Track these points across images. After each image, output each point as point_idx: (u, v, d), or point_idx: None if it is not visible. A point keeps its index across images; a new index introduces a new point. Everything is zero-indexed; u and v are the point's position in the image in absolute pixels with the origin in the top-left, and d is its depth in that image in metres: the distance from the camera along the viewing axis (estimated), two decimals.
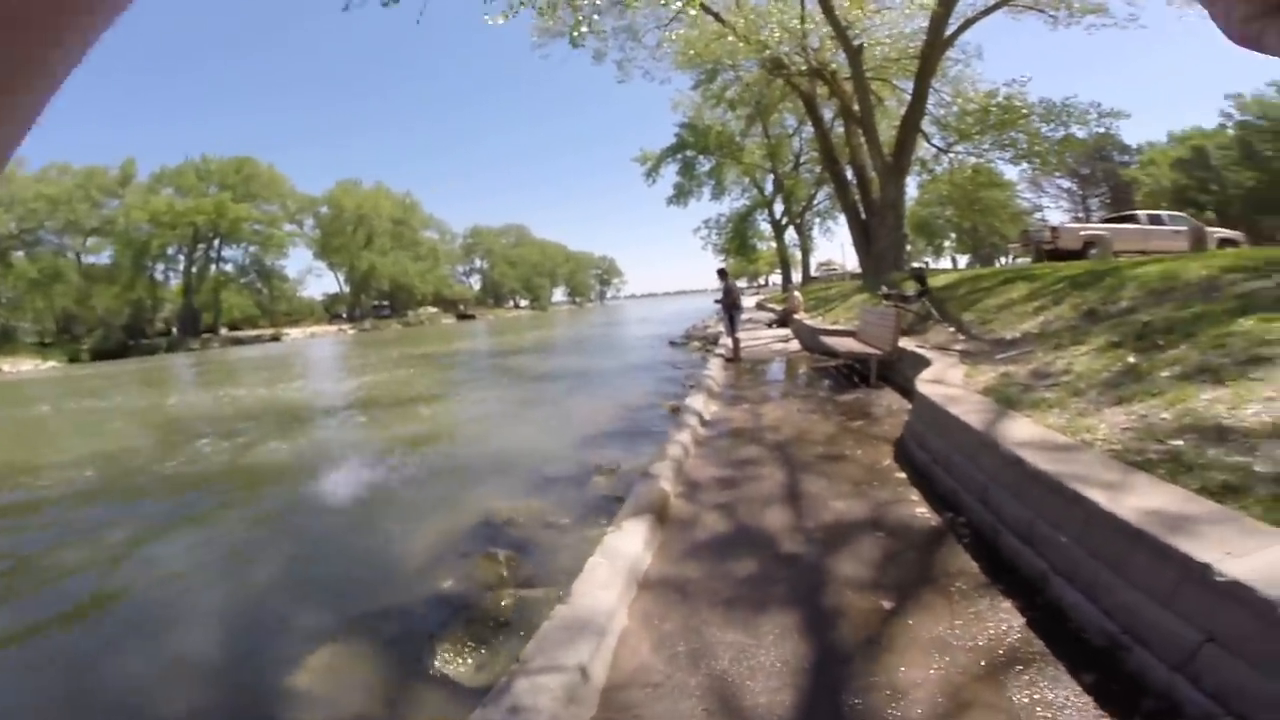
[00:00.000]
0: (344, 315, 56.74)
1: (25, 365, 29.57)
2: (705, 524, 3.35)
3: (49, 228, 35.80)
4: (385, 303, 59.31)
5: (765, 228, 36.82)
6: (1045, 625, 2.07)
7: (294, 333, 45.33)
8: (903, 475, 3.71)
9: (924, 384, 4.34)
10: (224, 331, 44.25)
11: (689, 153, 30.19)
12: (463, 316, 64.15)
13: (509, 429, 7.72)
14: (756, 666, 2.02)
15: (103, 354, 33.98)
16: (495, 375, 14.77)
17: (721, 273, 10.37)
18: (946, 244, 47.51)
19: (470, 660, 2.37)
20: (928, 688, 1.84)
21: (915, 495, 3.37)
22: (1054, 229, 13.60)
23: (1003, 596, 2.27)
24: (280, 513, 5.08)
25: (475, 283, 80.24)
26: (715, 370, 8.90)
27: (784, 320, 15.65)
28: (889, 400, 5.94)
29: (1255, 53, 0.21)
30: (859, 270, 19.35)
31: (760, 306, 24.20)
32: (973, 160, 19.82)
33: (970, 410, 3.42)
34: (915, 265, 12.81)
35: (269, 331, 44.25)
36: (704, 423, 5.81)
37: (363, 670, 2.40)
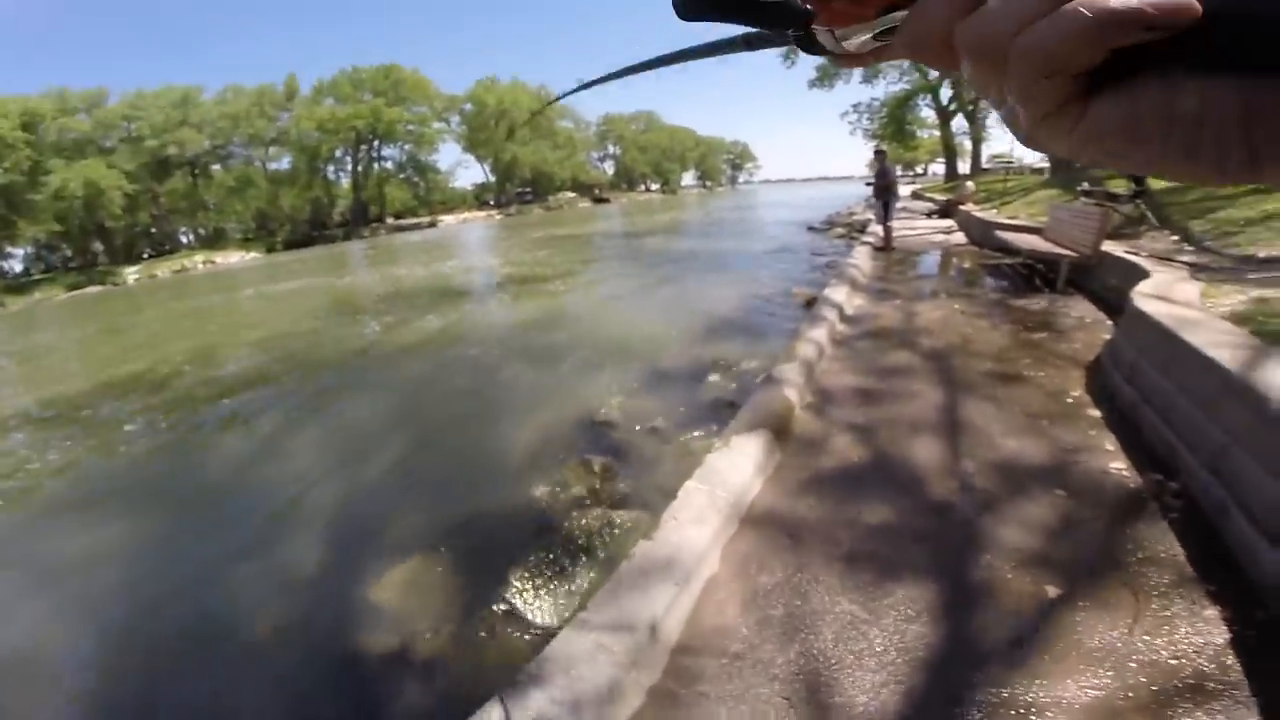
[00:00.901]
0: (491, 202, 61.19)
1: (233, 257, 36.17)
2: (835, 448, 2.85)
3: (236, 142, 42.20)
4: (528, 189, 62.75)
5: (927, 114, 32.19)
6: (1254, 647, 1.53)
7: (448, 219, 49.98)
8: (1096, 414, 2.88)
9: (1145, 299, 3.22)
10: (389, 221, 50.22)
11: None
12: (598, 200, 65.40)
13: (630, 313, 7.64)
14: (865, 652, 1.66)
15: (292, 244, 40.56)
16: (624, 257, 14.68)
17: (879, 154, 9.19)
18: None
19: (543, 593, 2.25)
20: (1073, 714, 1.42)
21: (1111, 444, 2.59)
22: None
23: (1209, 601, 1.69)
24: (405, 397, 5.42)
25: (609, 168, 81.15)
26: (861, 259, 7.76)
27: (946, 211, 13.89)
28: (1081, 311, 4.70)
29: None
30: (1043, 164, 17.11)
31: (916, 195, 21.52)
32: None
33: (1216, 342, 2.46)
34: None
35: (427, 219, 50.19)
36: (844, 318, 5.01)
37: (436, 592, 2.38)
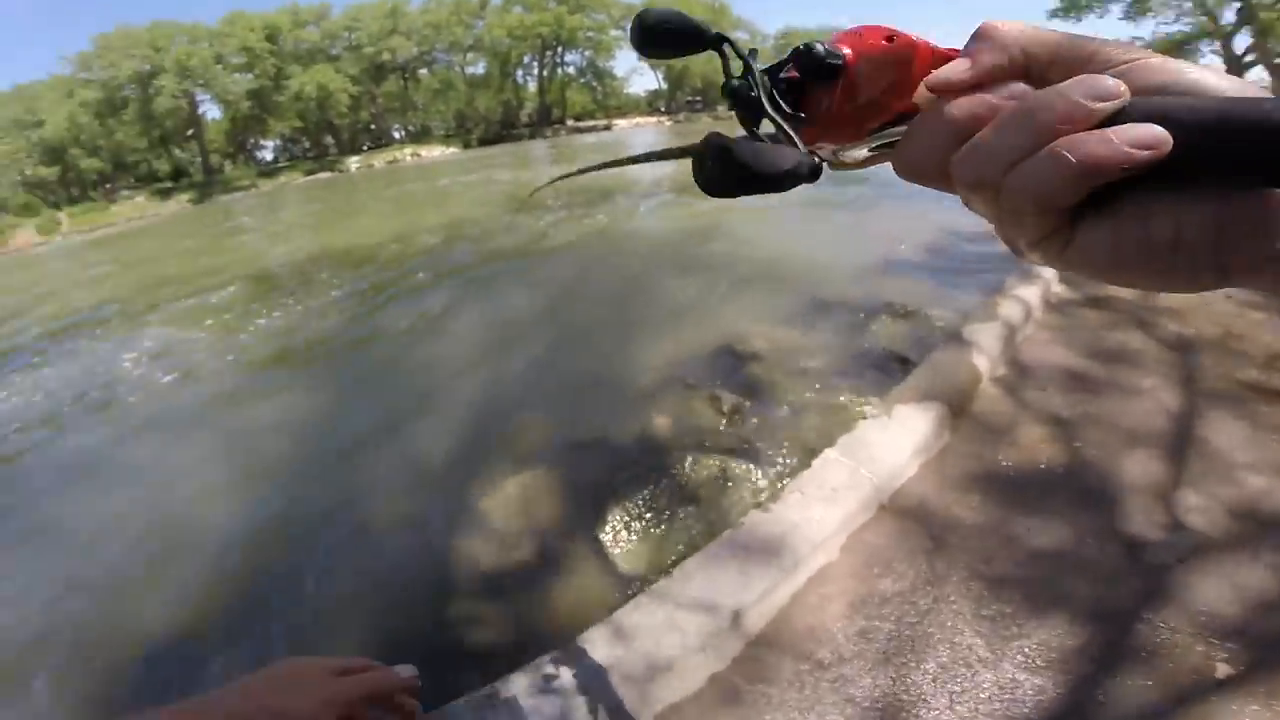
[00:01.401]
0: (662, 109, 62.18)
1: (436, 151, 41.36)
2: (1022, 440, 2.35)
3: (439, 48, 46.94)
4: (698, 98, 63.48)
5: (1211, 62, 26.08)
6: None
7: (621, 123, 52.96)
8: None
9: None
10: (569, 123, 54.39)
11: None
12: None
13: (797, 232, 7.03)
14: (964, 695, 1.42)
15: (485, 141, 45.04)
16: None
17: None
18: None
19: (636, 541, 2.17)
20: None
21: None
22: None
23: None
24: (558, 293, 5.60)
25: None
26: None
27: None
28: None
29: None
30: None
31: None
32: None
33: None
34: None
35: (603, 122, 52.45)
36: (1065, 277, 3.99)
37: (539, 514, 2.39)
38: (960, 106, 0.23)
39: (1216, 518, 1.86)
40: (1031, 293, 3.52)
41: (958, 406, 2.44)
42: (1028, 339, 3.15)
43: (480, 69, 49.74)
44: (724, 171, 0.25)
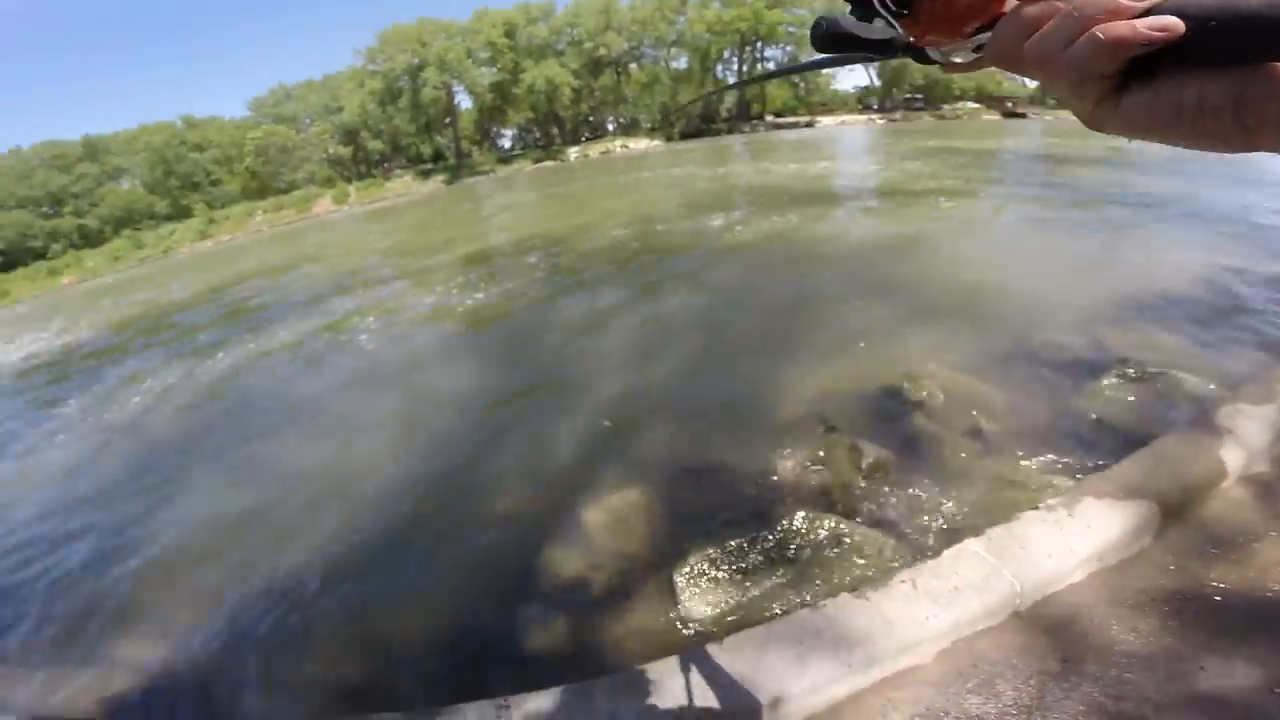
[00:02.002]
0: (874, 106, 57.27)
1: (642, 144, 44.14)
2: (1260, 559, 1.78)
3: (646, 43, 49.34)
4: (919, 95, 56.28)
5: None
6: None
7: (825, 120, 50.18)
8: None
9: None
10: (769, 118, 52.77)
11: None
12: (1010, 114, 54.45)
13: (1017, 255, 5.86)
14: None
15: (686, 135, 46.37)
16: (1033, 183, 11.30)
17: None
18: None
19: (712, 592, 2.01)
20: None
21: None
22: None
23: None
24: (718, 299, 5.57)
25: (1031, 82, 66.92)
26: None
27: None
28: None
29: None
30: None
31: None
32: None
33: None
34: None
35: (805, 119, 50.42)
36: None
37: (630, 535, 2.40)
38: (1033, 7, 0.29)
39: None
40: None
41: (1175, 507, 1.90)
42: None
43: (683, 64, 51.09)
44: (828, 30, 0.36)
